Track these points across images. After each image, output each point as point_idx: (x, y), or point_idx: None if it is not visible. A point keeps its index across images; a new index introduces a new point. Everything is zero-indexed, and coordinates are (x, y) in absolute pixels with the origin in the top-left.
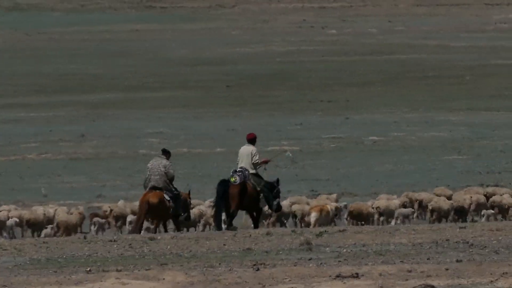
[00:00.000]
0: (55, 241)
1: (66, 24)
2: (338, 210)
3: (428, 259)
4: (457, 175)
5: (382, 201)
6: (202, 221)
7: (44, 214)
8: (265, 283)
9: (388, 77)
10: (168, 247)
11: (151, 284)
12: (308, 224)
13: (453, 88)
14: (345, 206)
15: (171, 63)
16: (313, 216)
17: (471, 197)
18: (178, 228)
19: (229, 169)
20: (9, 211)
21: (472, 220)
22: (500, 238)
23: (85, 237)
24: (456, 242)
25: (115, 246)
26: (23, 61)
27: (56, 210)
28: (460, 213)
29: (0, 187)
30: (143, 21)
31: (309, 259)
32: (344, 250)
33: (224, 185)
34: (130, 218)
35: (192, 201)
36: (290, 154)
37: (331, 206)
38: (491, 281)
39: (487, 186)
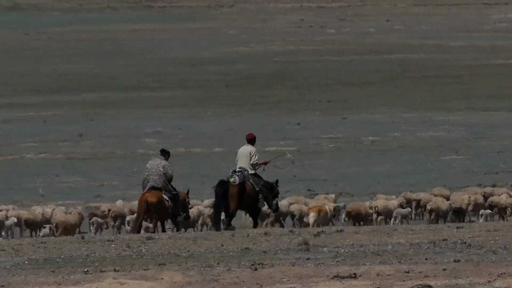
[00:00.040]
0: (53, 241)
1: (65, 24)
2: (336, 211)
3: (426, 259)
4: (455, 175)
5: (380, 201)
6: (200, 221)
7: (43, 214)
8: (263, 283)
9: (387, 77)
10: (166, 247)
11: (149, 284)
12: (306, 225)
13: (451, 88)
14: (344, 206)
15: (169, 63)
16: (311, 217)
17: (469, 197)
18: (177, 228)
19: (228, 169)
20: (7, 211)
21: (470, 221)
22: (497, 238)
23: (83, 237)
24: (453, 242)
25: (113, 246)
26: (22, 61)
27: (53, 210)
28: (458, 214)
29: None
30: (141, 21)
31: (307, 259)
32: (342, 250)
33: (223, 185)
34: (129, 218)
35: (191, 201)
36: (291, 156)
37: (329, 206)
38: (489, 281)
39: (485, 186)
